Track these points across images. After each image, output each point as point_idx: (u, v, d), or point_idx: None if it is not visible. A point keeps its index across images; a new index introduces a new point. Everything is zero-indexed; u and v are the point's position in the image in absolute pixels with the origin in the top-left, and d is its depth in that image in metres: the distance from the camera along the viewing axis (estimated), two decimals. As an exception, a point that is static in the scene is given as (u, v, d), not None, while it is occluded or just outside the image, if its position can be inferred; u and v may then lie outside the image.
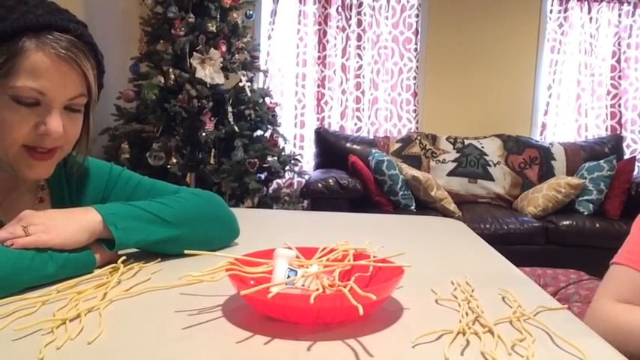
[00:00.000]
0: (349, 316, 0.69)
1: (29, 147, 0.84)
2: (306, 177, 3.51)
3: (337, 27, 4.02)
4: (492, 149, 3.85)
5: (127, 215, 0.90)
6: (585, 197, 3.49)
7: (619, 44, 4.10)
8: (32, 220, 0.82)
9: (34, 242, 0.80)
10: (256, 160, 2.90)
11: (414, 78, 4.08)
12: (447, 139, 3.87)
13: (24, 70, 0.79)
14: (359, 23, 4.03)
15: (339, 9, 4.00)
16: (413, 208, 3.41)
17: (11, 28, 0.78)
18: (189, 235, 0.98)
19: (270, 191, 3.28)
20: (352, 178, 3.33)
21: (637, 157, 3.85)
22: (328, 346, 0.63)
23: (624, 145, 4.08)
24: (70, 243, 0.83)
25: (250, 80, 3.05)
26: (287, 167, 3.16)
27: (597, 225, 3.33)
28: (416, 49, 4.08)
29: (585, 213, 3.44)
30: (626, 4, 4.07)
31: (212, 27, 2.86)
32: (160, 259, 0.95)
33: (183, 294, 0.80)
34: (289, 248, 0.80)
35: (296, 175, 3.58)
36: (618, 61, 4.11)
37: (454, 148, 3.83)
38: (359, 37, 4.03)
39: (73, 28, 0.83)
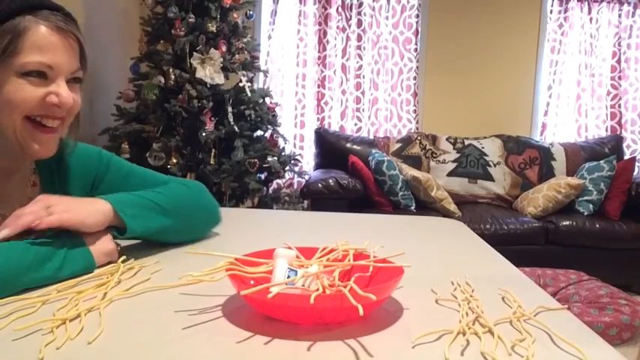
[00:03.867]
0: (349, 317, 0.69)
1: (33, 122, 0.85)
2: (306, 177, 3.51)
3: (337, 27, 4.02)
4: (492, 149, 3.85)
5: (132, 203, 0.93)
6: (585, 197, 3.49)
7: (619, 44, 4.10)
8: (50, 202, 0.83)
9: (59, 220, 0.81)
10: (256, 160, 2.90)
11: (414, 78, 4.09)
12: (447, 139, 3.87)
13: (30, 46, 0.81)
14: (359, 23, 4.03)
15: (339, 9, 4.00)
16: (413, 208, 3.41)
17: (10, 8, 0.80)
18: (183, 224, 1.02)
19: (270, 191, 3.28)
20: (352, 179, 3.33)
21: (637, 158, 3.85)
22: (328, 346, 0.63)
23: (624, 145, 4.08)
24: (89, 223, 0.85)
25: (250, 80, 3.05)
26: (287, 167, 3.16)
27: (597, 225, 3.33)
28: (416, 50, 4.08)
29: (585, 213, 3.44)
30: (626, 5, 4.07)
31: (212, 27, 2.85)
32: (159, 260, 0.96)
33: (183, 294, 0.80)
34: (289, 248, 0.80)
35: (296, 175, 3.58)
36: (618, 62, 4.11)
37: (454, 149, 3.83)
38: (359, 38, 4.03)
39: (61, 7, 0.87)
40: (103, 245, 0.89)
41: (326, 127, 4.01)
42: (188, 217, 1.04)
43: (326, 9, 3.99)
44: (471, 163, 3.78)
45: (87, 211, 0.86)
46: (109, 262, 0.90)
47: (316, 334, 0.66)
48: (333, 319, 0.69)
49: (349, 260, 0.82)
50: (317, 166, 3.83)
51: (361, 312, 0.61)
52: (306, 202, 3.46)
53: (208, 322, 0.70)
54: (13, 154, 0.89)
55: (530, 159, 3.85)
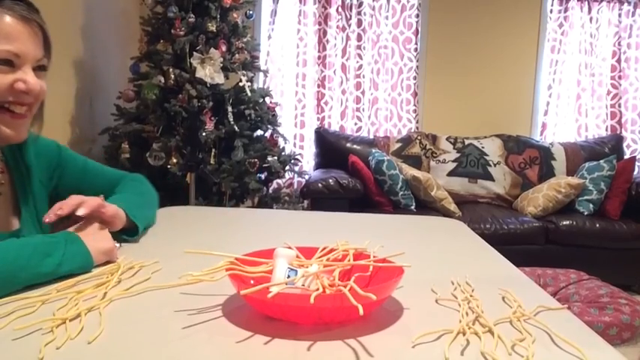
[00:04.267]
0: (349, 316, 0.69)
1: (2, 108, 0.87)
2: (306, 177, 3.51)
3: (337, 27, 4.02)
4: (492, 149, 3.85)
5: (133, 205, 1.03)
6: (585, 197, 3.49)
7: (619, 44, 4.09)
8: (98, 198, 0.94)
9: (115, 212, 0.96)
10: (256, 160, 2.90)
11: (414, 78, 4.08)
12: (447, 139, 3.87)
13: None
14: (359, 23, 4.03)
15: (339, 9, 4.00)
16: (413, 208, 3.41)
17: None
18: (153, 215, 1.17)
19: (270, 191, 3.27)
20: (352, 178, 3.33)
21: (637, 157, 3.85)
22: (328, 346, 0.63)
23: (624, 145, 4.08)
24: (121, 217, 0.98)
25: (250, 80, 3.05)
26: (287, 167, 3.15)
27: (597, 225, 3.33)
28: (416, 49, 4.08)
29: (585, 213, 3.44)
30: (626, 4, 4.07)
31: (212, 27, 2.85)
32: (159, 259, 0.96)
33: (183, 293, 0.80)
34: (289, 248, 0.80)
35: (296, 175, 3.58)
36: (618, 61, 4.11)
37: (454, 148, 3.83)
38: (359, 37, 4.03)
39: None
40: (101, 244, 0.90)
41: (326, 126, 4.01)
42: (153, 208, 1.18)
43: (326, 8, 3.99)
44: (471, 163, 3.78)
45: (119, 210, 0.97)
46: (108, 262, 0.91)
47: (316, 334, 0.66)
48: (333, 319, 0.69)
49: (349, 260, 0.82)
50: (317, 166, 3.83)
51: (361, 312, 0.61)
52: (306, 201, 3.45)
53: (208, 321, 0.70)
54: None
55: (530, 159, 3.85)
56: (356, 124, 4.08)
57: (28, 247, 0.79)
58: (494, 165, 3.80)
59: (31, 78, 0.86)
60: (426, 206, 3.44)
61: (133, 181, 1.18)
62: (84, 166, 1.11)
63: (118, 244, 0.96)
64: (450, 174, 3.75)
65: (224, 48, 2.87)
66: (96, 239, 0.89)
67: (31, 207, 0.99)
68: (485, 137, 3.94)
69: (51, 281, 0.81)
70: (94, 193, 1.03)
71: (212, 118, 2.83)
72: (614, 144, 3.93)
